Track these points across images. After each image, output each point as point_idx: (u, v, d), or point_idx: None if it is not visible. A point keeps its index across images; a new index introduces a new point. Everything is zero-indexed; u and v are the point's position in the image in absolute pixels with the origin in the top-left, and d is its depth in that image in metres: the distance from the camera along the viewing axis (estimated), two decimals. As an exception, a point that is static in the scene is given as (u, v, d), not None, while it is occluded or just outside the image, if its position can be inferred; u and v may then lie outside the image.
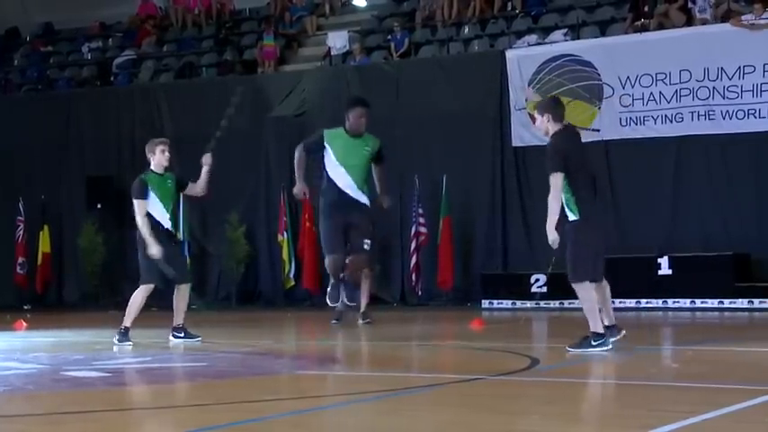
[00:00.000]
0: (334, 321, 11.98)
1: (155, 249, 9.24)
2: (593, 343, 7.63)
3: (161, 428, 5.05)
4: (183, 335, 9.81)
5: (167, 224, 9.60)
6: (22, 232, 18.02)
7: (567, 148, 7.81)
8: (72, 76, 21.11)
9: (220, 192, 17.33)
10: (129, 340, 9.54)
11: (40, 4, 22.85)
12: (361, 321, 11.96)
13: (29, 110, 19.33)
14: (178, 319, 9.85)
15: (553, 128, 7.88)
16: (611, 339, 7.84)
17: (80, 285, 18.17)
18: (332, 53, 18.76)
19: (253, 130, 17.20)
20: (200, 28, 21.28)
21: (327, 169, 9.54)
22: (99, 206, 18.10)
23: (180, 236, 10.79)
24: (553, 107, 8.06)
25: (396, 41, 18.12)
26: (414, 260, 16.07)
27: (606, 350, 7.65)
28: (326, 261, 9.78)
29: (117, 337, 9.55)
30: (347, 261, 9.64)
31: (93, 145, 18.54)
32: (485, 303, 15.50)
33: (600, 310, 7.86)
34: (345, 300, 9.92)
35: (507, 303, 15.52)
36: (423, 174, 16.12)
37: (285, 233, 16.73)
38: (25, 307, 17.15)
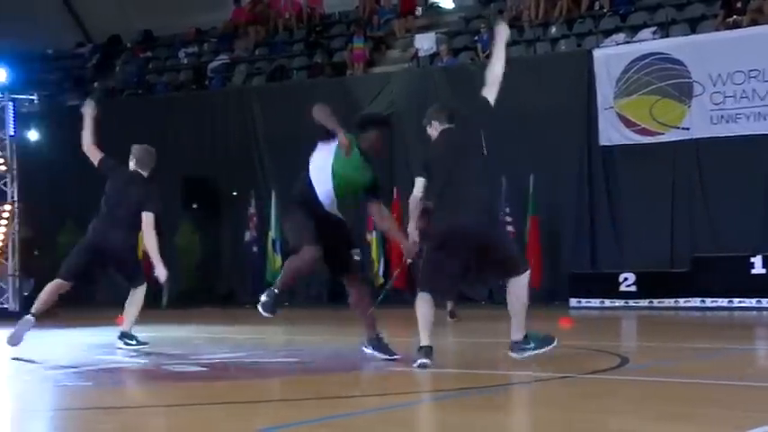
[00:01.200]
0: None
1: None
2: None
3: (252, 422, 5.07)
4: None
5: None
6: (122, 231, 18.38)
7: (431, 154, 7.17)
8: (169, 81, 21.51)
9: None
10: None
11: (139, 12, 23.36)
12: (448, 319, 11.94)
13: (130, 113, 19.73)
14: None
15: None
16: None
17: (177, 283, 18.42)
18: (419, 55, 18.72)
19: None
20: (291, 32, 21.47)
21: (311, 168, 7.14)
22: (195, 206, 18.40)
23: None
24: (437, 113, 7.33)
25: (482, 42, 17.97)
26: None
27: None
28: (300, 258, 6.93)
29: (128, 339, 8.81)
30: (353, 294, 7.38)
31: (190, 147, 18.84)
32: (573, 302, 15.27)
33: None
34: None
35: (596, 302, 15.27)
36: (510, 173, 15.93)
37: (374, 232, 16.73)
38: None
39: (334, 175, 7.04)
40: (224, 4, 22.44)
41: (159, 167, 9.56)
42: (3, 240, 15.73)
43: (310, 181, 7.08)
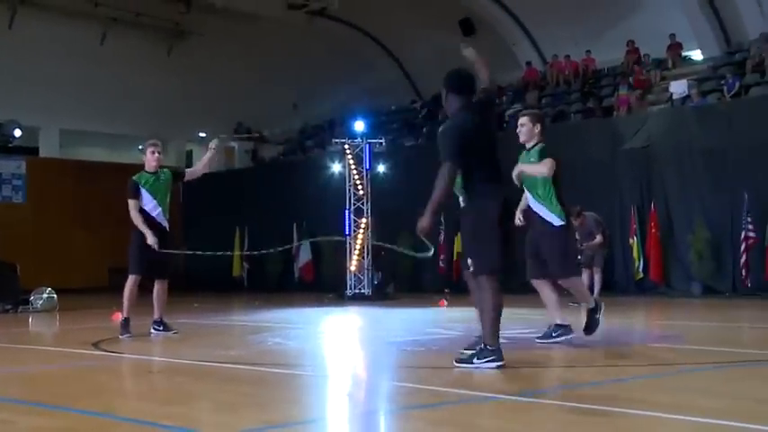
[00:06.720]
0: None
1: (150, 239, 7.86)
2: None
3: (528, 384, 5.15)
4: (161, 328, 8.30)
5: (159, 218, 8.08)
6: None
7: None
8: (476, 125, 21.96)
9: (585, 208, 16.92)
10: (130, 332, 8.02)
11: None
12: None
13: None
14: (157, 312, 8.26)
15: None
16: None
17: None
18: (673, 98, 17.80)
19: (609, 160, 16.79)
20: (569, 84, 21.25)
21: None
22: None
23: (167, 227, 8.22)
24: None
25: (728, 85, 16.76)
26: (743, 258, 14.73)
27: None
28: None
29: (120, 331, 8.06)
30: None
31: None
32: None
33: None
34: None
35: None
36: (752, 191, 14.74)
37: (635, 237, 16.15)
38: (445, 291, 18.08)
39: None
40: (517, 66, 22.66)
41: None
42: (361, 244, 16.92)
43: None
